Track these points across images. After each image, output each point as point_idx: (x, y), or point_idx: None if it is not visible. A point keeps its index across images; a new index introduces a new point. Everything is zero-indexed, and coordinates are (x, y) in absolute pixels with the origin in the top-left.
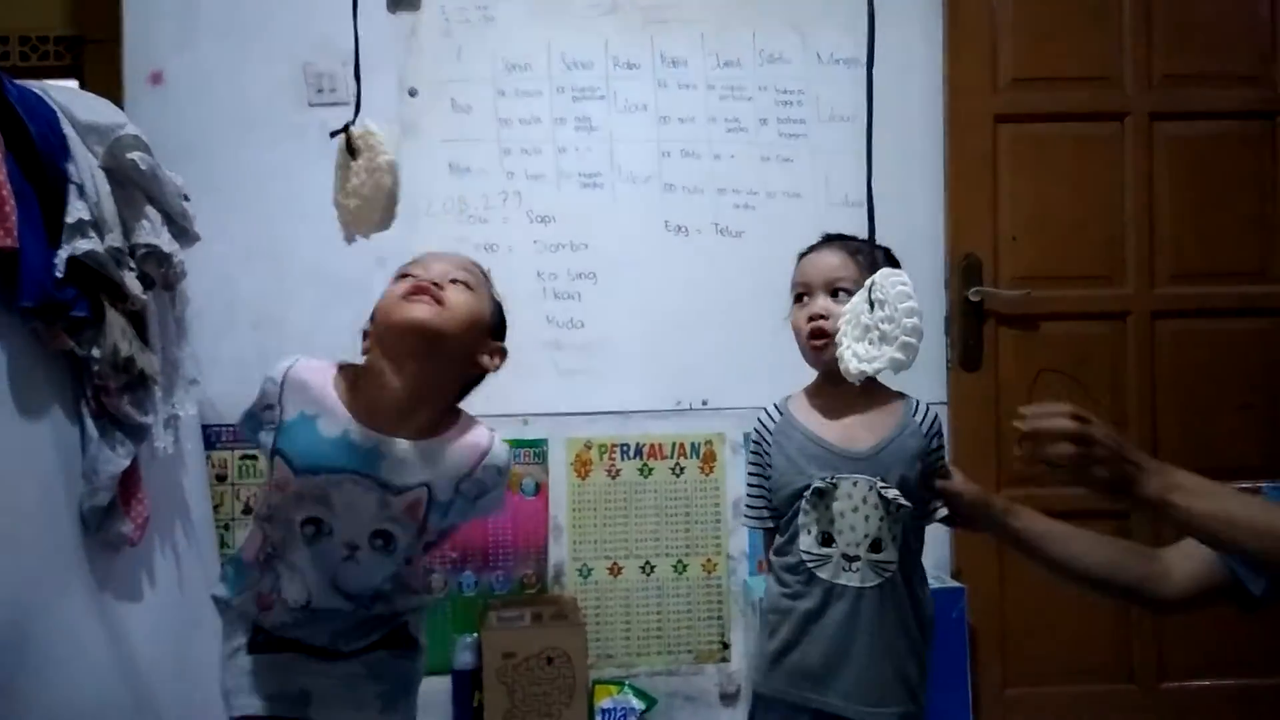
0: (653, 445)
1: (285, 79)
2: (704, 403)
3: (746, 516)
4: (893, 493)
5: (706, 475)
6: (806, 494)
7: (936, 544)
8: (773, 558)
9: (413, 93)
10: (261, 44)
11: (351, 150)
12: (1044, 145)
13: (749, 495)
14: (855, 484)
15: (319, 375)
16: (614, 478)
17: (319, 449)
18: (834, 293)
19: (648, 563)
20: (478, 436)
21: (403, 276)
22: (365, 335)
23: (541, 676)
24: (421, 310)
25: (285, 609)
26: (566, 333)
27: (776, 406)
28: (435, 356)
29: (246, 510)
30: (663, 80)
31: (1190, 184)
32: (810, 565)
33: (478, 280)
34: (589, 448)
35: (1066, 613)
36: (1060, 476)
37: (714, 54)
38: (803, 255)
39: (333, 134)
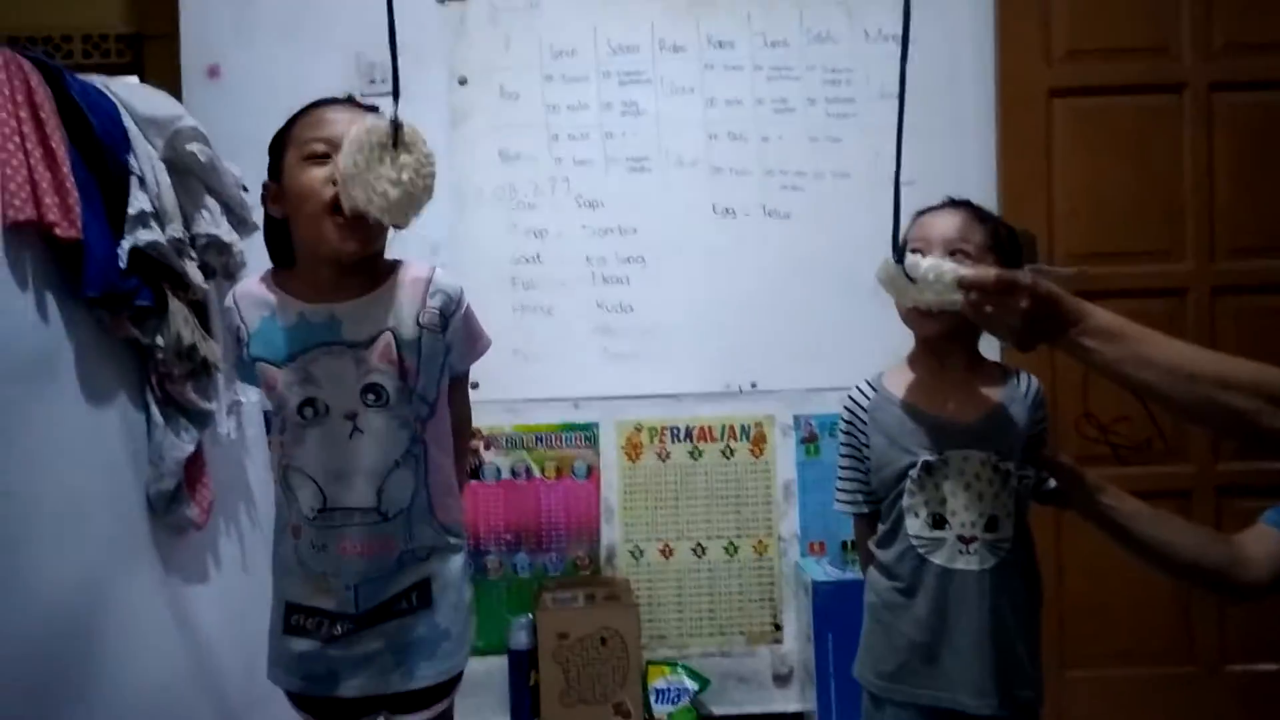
0: (703, 428)
1: (338, 70)
2: (753, 385)
3: (839, 501)
4: (1009, 465)
5: (757, 457)
6: (912, 472)
7: None
8: (874, 549)
9: (463, 81)
10: (314, 36)
11: (396, 142)
12: (1099, 118)
13: (840, 479)
14: (966, 458)
15: (256, 285)
16: (665, 460)
17: (285, 337)
18: (952, 254)
19: (699, 544)
20: (416, 271)
21: (313, 157)
22: (267, 190)
23: (595, 656)
24: (353, 245)
25: (308, 525)
26: (616, 317)
27: (869, 383)
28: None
29: None
30: (709, 62)
31: (1251, 156)
32: (921, 550)
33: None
34: (639, 430)
35: (1125, 594)
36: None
37: (761, 34)
38: (921, 213)
39: (395, 124)
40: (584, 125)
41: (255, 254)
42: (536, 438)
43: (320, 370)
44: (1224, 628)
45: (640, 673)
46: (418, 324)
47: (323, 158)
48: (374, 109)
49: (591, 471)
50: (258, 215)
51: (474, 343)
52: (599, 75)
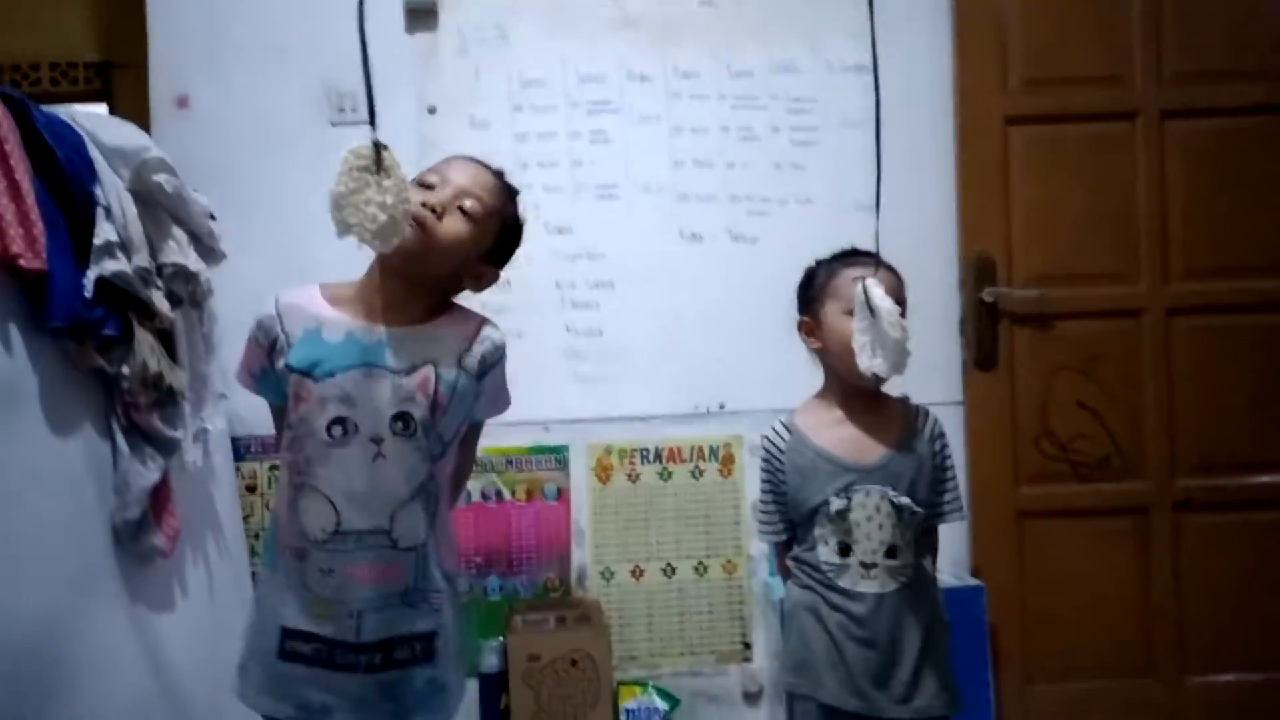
0: (672, 449)
1: (308, 100)
2: (721, 406)
3: (761, 532)
4: (904, 500)
5: (725, 478)
6: (823, 508)
7: (954, 542)
8: (792, 564)
9: (432, 110)
10: (284, 66)
11: (380, 166)
12: (1055, 146)
13: (762, 510)
14: (868, 494)
15: (306, 296)
16: (634, 482)
17: (329, 353)
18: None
19: (669, 565)
20: (470, 317)
21: (422, 184)
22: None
23: (566, 678)
24: (409, 237)
25: (317, 549)
26: (585, 340)
27: (784, 424)
28: (416, 272)
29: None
30: (675, 92)
31: (1203, 181)
32: (830, 575)
33: (488, 207)
34: (609, 453)
35: (1087, 608)
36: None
37: (725, 65)
38: (829, 264)
39: (377, 146)
40: (553, 153)
41: (222, 282)
42: (507, 460)
43: (357, 391)
44: (1184, 641)
45: (611, 693)
46: (459, 365)
47: (428, 187)
48: (500, 174)
49: (562, 494)
50: (226, 244)
51: (500, 398)
52: (567, 105)
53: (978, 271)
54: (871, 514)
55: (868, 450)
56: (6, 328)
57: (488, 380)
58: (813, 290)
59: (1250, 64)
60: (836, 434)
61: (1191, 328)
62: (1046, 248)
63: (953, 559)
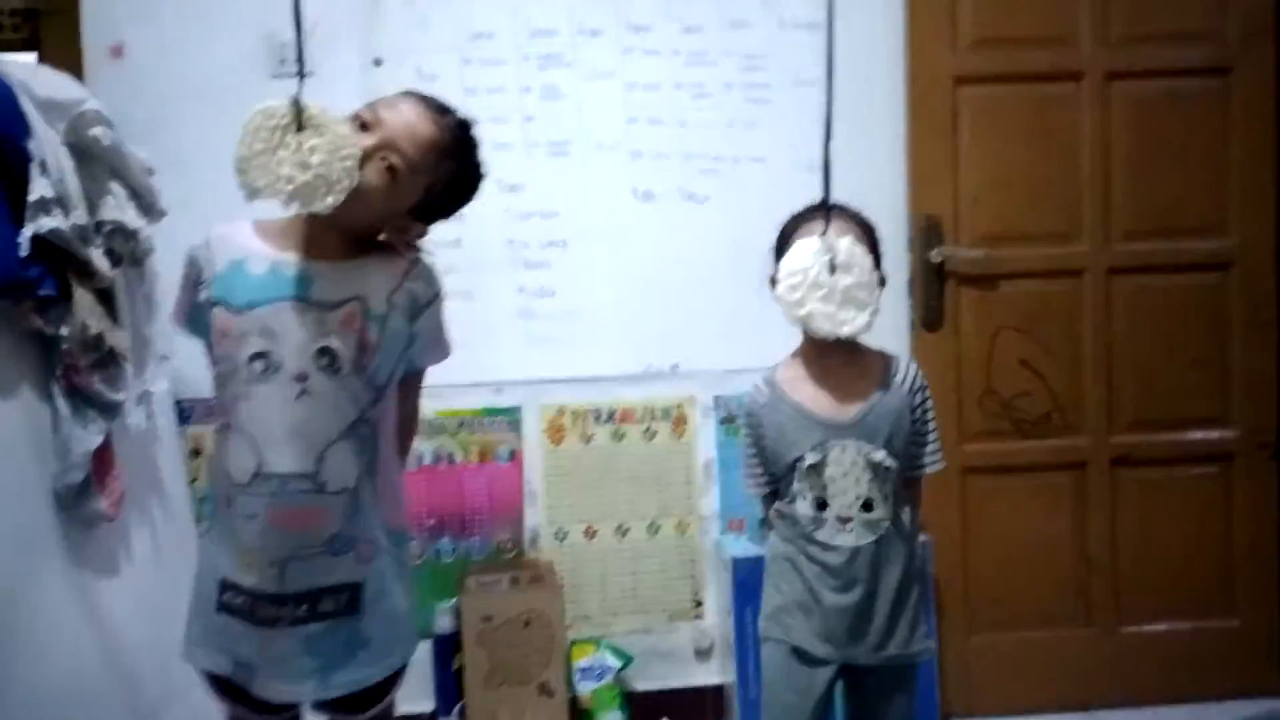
0: (625, 410)
1: (248, 51)
2: (674, 367)
3: (747, 485)
4: (880, 455)
5: (678, 438)
6: (799, 465)
7: None
8: (774, 517)
9: (378, 62)
10: (223, 15)
11: (300, 123)
12: (1003, 106)
13: (746, 465)
14: (844, 450)
15: (237, 229)
16: (587, 443)
17: (252, 285)
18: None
19: (622, 525)
20: (402, 255)
21: (360, 123)
22: None
23: (520, 639)
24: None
25: (241, 493)
26: (538, 301)
27: (765, 380)
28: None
29: None
30: (628, 46)
31: (1146, 142)
32: (808, 529)
33: (412, 165)
34: (562, 414)
35: (1028, 561)
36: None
37: (678, 19)
38: (795, 219)
39: (296, 105)
40: (503, 109)
41: (163, 240)
42: (459, 422)
43: (279, 324)
44: (1119, 591)
45: (564, 652)
46: (389, 301)
47: (361, 126)
48: (449, 126)
49: (514, 455)
50: (165, 200)
51: (439, 343)
52: (518, 58)
53: (926, 232)
54: (847, 469)
55: (844, 405)
56: None
57: (422, 321)
58: (778, 245)
59: (1193, 26)
60: (813, 389)
61: (1131, 287)
62: (992, 208)
63: None
